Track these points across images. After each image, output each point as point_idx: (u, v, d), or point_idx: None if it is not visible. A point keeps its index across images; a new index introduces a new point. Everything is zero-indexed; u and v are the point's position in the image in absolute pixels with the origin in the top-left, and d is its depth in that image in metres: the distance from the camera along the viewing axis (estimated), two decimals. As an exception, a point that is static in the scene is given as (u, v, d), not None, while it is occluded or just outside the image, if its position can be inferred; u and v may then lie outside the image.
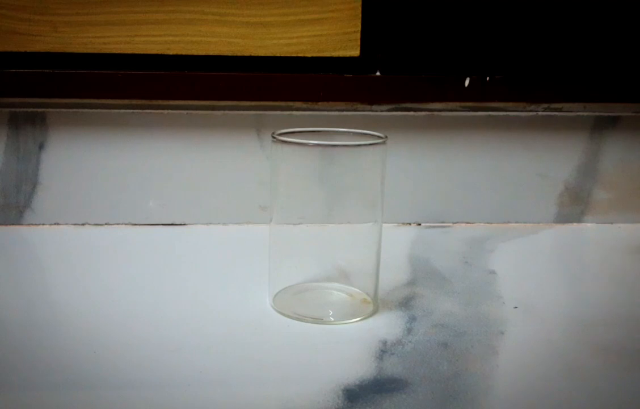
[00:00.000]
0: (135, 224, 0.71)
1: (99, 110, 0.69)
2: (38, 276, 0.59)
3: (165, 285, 0.56)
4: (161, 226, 0.71)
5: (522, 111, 0.73)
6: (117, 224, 0.71)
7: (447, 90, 0.70)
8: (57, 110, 0.69)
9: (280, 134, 0.51)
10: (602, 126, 0.74)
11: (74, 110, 0.69)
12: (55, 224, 0.70)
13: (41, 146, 0.69)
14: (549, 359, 0.46)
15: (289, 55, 0.69)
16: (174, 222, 0.72)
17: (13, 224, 0.70)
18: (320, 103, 0.70)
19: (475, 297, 0.55)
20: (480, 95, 0.70)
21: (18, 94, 0.67)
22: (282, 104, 0.70)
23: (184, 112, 0.70)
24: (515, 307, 0.53)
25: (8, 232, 0.68)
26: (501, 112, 0.73)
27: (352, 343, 0.47)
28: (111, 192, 0.70)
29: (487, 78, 0.70)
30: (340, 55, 0.69)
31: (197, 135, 0.70)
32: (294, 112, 0.70)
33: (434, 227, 0.74)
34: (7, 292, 0.54)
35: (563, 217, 0.76)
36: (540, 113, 0.73)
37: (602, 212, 0.76)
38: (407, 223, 0.74)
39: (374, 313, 0.52)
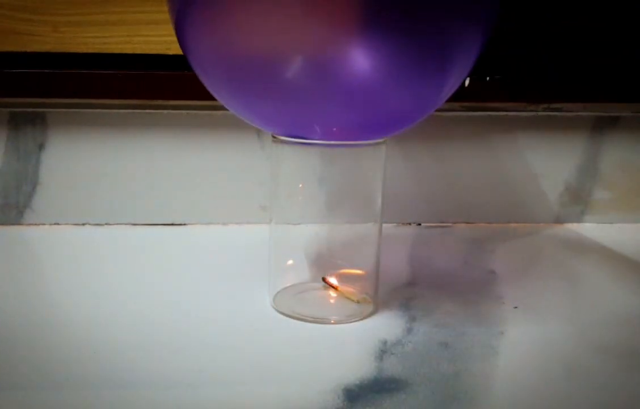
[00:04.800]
0: (135, 224, 0.71)
1: (99, 110, 0.69)
2: (38, 276, 0.59)
3: (165, 285, 0.56)
4: (161, 226, 0.71)
5: (522, 111, 0.73)
6: (117, 224, 0.71)
7: (447, 90, 0.70)
8: (57, 110, 0.69)
9: (280, 134, 0.51)
10: (602, 126, 0.74)
11: (74, 110, 0.69)
12: (55, 224, 0.70)
13: (41, 146, 0.69)
14: (549, 359, 0.46)
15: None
16: (174, 222, 0.72)
17: (13, 224, 0.70)
18: (320, 103, 0.70)
19: (475, 297, 0.55)
20: (480, 96, 0.70)
21: (18, 94, 0.67)
22: (282, 104, 0.70)
23: (184, 112, 0.70)
24: (515, 307, 0.54)
25: (8, 232, 0.68)
26: (501, 112, 0.73)
27: (352, 343, 0.47)
28: (111, 192, 0.70)
29: (487, 78, 0.70)
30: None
31: (197, 135, 0.70)
32: (294, 112, 0.70)
33: (434, 227, 0.74)
34: (7, 292, 0.54)
35: (563, 217, 0.76)
36: (540, 113, 0.73)
37: (602, 212, 0.76)
38: (407, 223, 0.74)
39: (374, 313, 0.52)
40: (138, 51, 0.67)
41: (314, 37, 0.40)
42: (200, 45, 0.44)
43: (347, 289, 0.54)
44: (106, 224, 0.71)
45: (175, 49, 0.67)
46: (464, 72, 0.45)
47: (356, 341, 0.47)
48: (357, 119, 0.45)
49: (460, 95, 0.70)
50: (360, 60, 0.40)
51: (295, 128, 0.46)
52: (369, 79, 0.41)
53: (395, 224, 0.74)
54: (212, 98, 0.71)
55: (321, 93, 0.42)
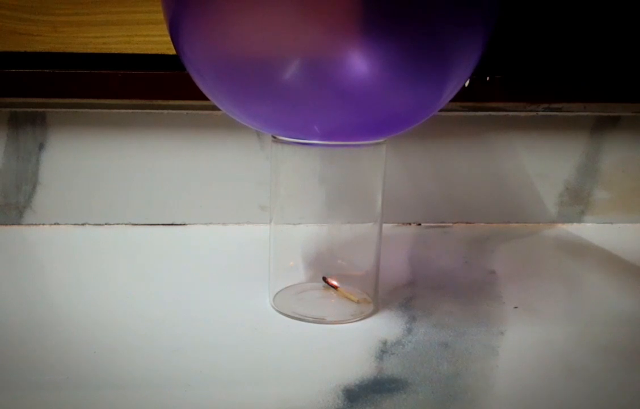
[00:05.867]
0: (135, 224, 0.71)
1: (99, 110, 0.69)
2: (38, 276, 0.59)
3: (165, 285, 0.56)
4: (161, 226, 0.71)
5: (522, 111, 0.73)
6: (117, 224, 0.71)
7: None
8: (57, 110, 0.69)
9: (280, 134, 0.51)
10: (602, 126, 0.74)
11: (74, 110, 0.69)
12: (55, 224, 0.70)
13: (41, 146, 0.69)
14: (549, 359, 0.46)
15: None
16: (174, 222, 0.72)
17: (13, 224, 0.70)
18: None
19: (475, 297, 0.55)
20: (480, 96, 0.70)
21: (18, 94, 0.67)
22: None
23: (184, 112, 0.70)
24: (515, 307, 0.54)
25: (8, 232, 0.68)
26: (501, 112, 0.73)
27: (352, 343, 0.47)
28: (111, 192, 0.70)
29: (487, 78, 0.70)
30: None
31: (197, 135, 0.70)
32: (294, 112, 0.70)
33: (434, 227, 0.74)
34: (7, 292, 0.54)
35: (563, 217, 0.76)
36: (540, 113, 0.73)
37: (602, 212, 0.76)
38: (407, 223, 0.74)
39: (374, 313, 0.52)
40: (138, 51, 0.67)
41: (315, 40, 0.40)
42: (195, 47, 0.44)
43: (347, 289, 0.54)
44: (106, 224, 0.71)
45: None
46: (464, 75, 0.45)
47: (356, 341, 0.47)
48: (357, 121, 0.45)
49: (460, 96, 0.70)
50: (360, 63, 0.40)
51: (294, 130, 0.46)
52: (368, 82, 0.41)
53: (395, 224, 0.74)
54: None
55: (320, 96, 0.42)
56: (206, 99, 0.48)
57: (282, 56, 0.41)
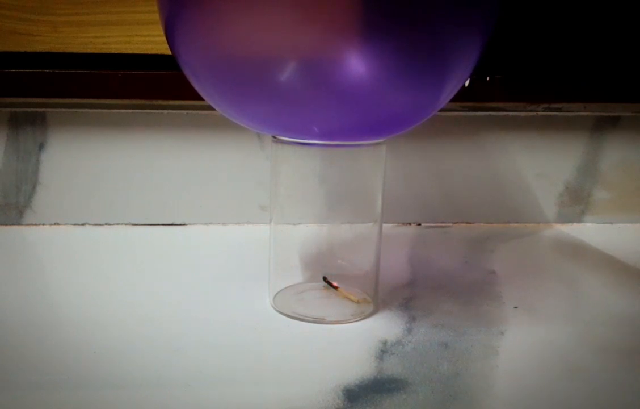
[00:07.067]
0: (135, 224, 0.71)
1: (99, 110, 0.69)
2: (38, 276, 0.59)
3: (165, 285, 0.56)
4: (161, 226, 0.71)
5: (522, 111, 0.73)
6: (117, 224, 0.71)
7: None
8: (57, 110, 0.69)
9: (280, 134, 0.51)
10: (602, 126, 0.74)
11: (74, 110, 0.69)
12: (55, 224, 0.70)
13: (41, 146, 0.69)
14: (549, 359, 0.46)
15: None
16: (174, 222, 0.72)
17: (13, 224, 0.70)
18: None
19: (475, 298, 0.55)
20: (480, 96, 0.70)
21: (18, 94, 0.67)
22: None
23: (184, 112, 0.70)
24: (515, 307, 0.54)
25: (8, 232, 0.68)
26: (501, 112, 0.73)
27: (352, 343, 0.47)
28: (111, 192, 0.70)
29: (487, 78, 0.70)
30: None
31: (197, 135, 0.70)
32: (294, 112, 0.70)
33: (434, 227, 0.74)
34: (7, 292, 0.54)
35: (563, 217, 0.76)
36: (540, 113, 0.73)
37: (602, 212, 0.76)
38: (407, 223, 0.74)
39: (374, 313, 0.52)
40: (138, 51, 0.67)
41: (314, 40, 0.40)
42: (191, 48, 0.44)
43: (347, 289, 0.54)
44: (106, 224, 0.71)
45: (175, 49, 0.67)
46: (464, 75, 0.45)
47: (356, 341, 0.47)
48: (357, 121, 0.45)
49: (460, 96, 0.70)
50: (359, 63, 0.40)
51: (293, 131, 0.46)
52: (368, 82, 0.41)
53: (395, 224, 0.74)
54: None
55: (319, 97, 0.42)
56: (206, 99, 0.49)
57: (281, 57, 0.40)
